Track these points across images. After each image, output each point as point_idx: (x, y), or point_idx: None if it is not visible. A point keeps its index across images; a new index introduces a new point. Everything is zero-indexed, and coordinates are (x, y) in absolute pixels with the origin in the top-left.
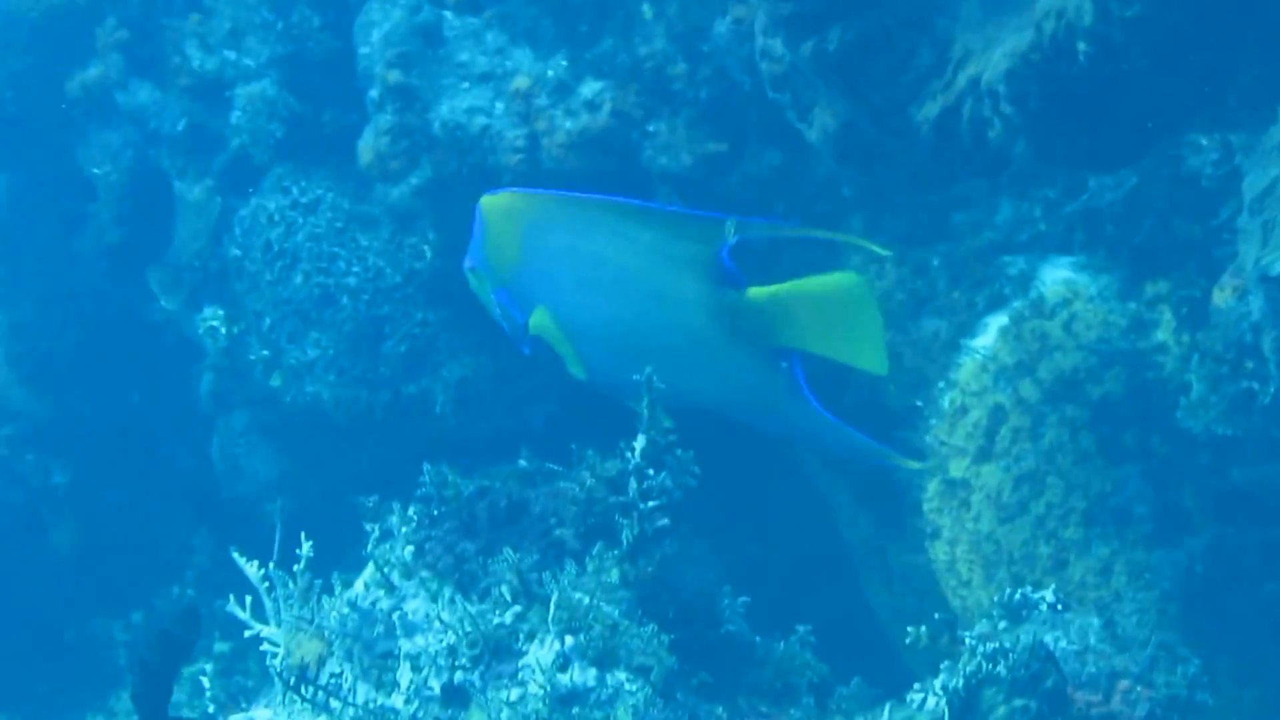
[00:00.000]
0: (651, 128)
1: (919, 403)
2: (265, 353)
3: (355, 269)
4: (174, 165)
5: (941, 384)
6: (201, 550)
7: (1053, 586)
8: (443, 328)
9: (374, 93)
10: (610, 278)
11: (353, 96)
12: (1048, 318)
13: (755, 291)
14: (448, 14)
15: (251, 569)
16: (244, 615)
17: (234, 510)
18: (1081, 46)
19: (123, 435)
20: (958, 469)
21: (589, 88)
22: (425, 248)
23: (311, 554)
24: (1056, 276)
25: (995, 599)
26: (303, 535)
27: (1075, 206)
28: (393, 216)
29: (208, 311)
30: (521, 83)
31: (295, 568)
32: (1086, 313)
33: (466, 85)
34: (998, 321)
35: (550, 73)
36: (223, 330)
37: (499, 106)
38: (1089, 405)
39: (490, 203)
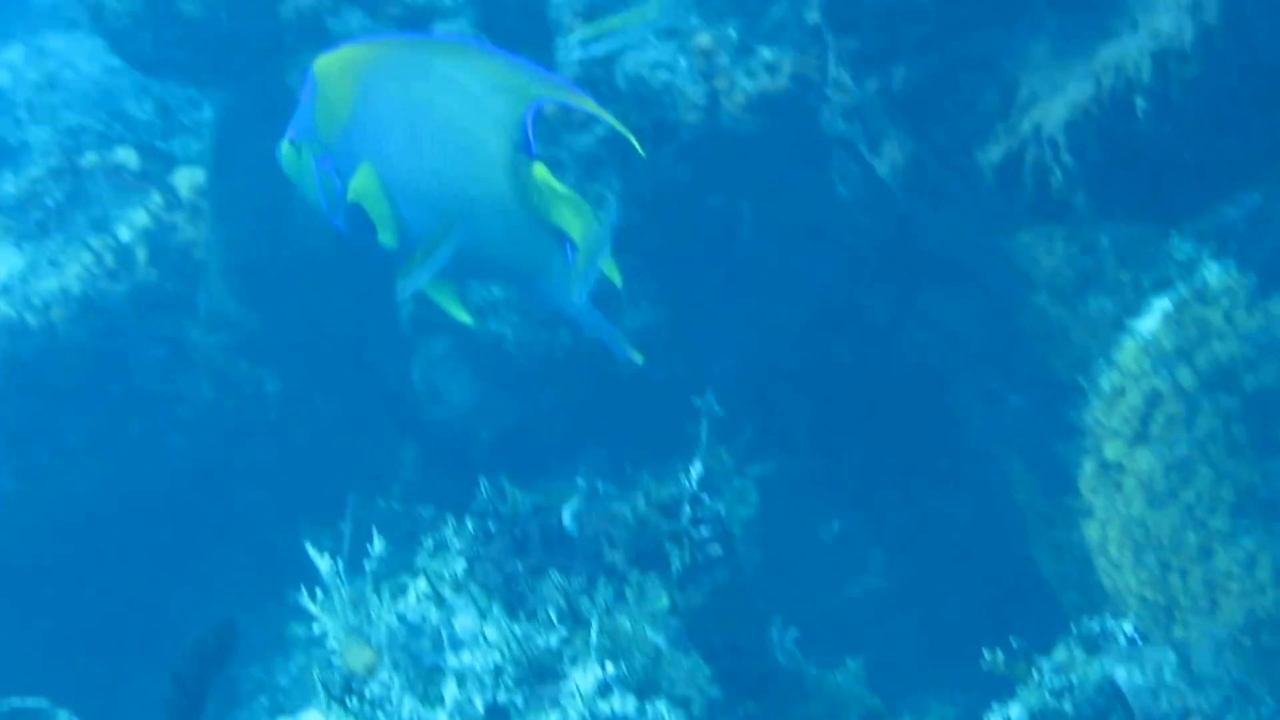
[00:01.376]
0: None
1: (1082, 380)
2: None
3: None
4: None
5: (1103, 363)
6: (408, 464)
7: (1132, 617)
8: (624, 273)
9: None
10: (434, 124)
11: (543, 40)
12: (1209, 304)
13: (537, 167)
14: None
15: (324, 563)
16: (314, 608)
17: (437, 432)
18: (1140, 103)
19: (331, 349)
20: (1113, 451)
21: (768, 51)
22: (609, 194)
23: (385, 552)
24: (1222, 264)
25: (1074, 629)
26: (374, 530)
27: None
28: (578, 162)
29: None
30: (705, 40)
31: (366, 565)
32: (1248, 302)
33: (652, 39)
34: (1162, 305)
35: (732, 32)
36: None
37: (682, 62)
38: (1243, 396)
39: (325, 61)
